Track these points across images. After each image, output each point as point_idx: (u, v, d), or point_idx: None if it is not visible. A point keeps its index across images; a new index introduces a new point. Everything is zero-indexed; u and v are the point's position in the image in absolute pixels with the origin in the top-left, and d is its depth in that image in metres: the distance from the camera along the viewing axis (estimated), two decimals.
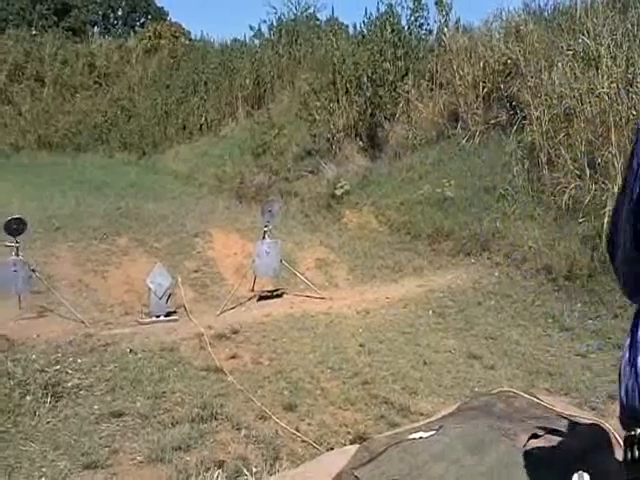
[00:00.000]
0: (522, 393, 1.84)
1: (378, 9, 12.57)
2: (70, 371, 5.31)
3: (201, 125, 16.56)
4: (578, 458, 1.41)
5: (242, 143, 14.19)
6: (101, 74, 21.70)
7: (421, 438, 1.51)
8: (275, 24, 18.08)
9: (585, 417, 1.78)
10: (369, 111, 11.73)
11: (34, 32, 23.72)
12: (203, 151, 15.39)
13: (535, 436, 1.42)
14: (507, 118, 9.79)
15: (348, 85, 12.11)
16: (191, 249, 9.18)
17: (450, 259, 8.26)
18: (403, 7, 12.18)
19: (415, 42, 12.04)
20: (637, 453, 0.87)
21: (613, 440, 1.54)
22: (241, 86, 16.10)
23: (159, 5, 36.51)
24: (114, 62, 22.35)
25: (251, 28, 19.25)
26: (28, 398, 4.66)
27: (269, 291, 7.84)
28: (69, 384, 5.04)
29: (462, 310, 6.83)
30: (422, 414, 4.38)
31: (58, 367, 5.34)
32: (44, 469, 3.87)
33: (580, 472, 1.14)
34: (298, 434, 4.35)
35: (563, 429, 1.56)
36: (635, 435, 0.88)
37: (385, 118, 11.63)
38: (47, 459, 3.97)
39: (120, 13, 36.63)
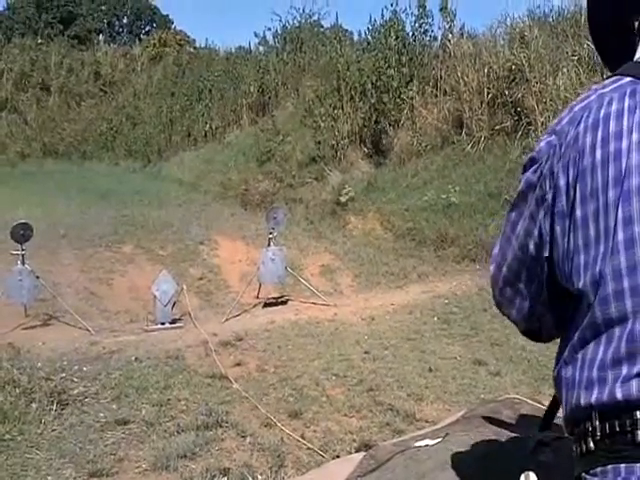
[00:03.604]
0: (528, 400, 1.82)
1: (383, 16, 12.62)
2: (75, 379, 5.31)
3: (206, 132, 16.60)
4: None
5: (247, 150, 14.22)
6: (106, 82, 21.81)
7: (427, 446, 1.50)
8: (280, 31, 18.15)
9: None
10: (373, 118, 11.75)
11: (40, 41, 23.89)
12: (208, 158, 15.42)
13: (541, 443, 1.41)
14: (512, 124, 9.79)
15: (352, 92, 12.13)
16: (196, 256, 9.19)
17: (455, 265, 8.25)
18: (408, 14, 12.24)
19: (419, 49, 12.05)
20: (591, 445, 0.90)
21: None
22: (246, 93, 16.14)
23: (164, 13, 36.75)
24: (119, 70, 22.46)
25: (256, 36, 19.28)
26: (34, 406, 4.66)
27: (274, 298, 7.84)
28: (74, 392, 5.04)
29: (467, 316, 6.81)
30: (427, 421, 4.37)
31: (63, 375, 5.34)
32: (50, 477, 3.86)
33: (526, 472, 1.14)
34: (303, 441, 4.33)
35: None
36: (587, 428, 0.92)
37: (389, 124, 11.64)
38: (53, 467, 3.96)
39: (125, 21, 36.87)
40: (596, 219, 0.92)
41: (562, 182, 0.97)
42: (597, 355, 0.91)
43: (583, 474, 0.91)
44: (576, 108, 1.00)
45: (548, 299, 1.07)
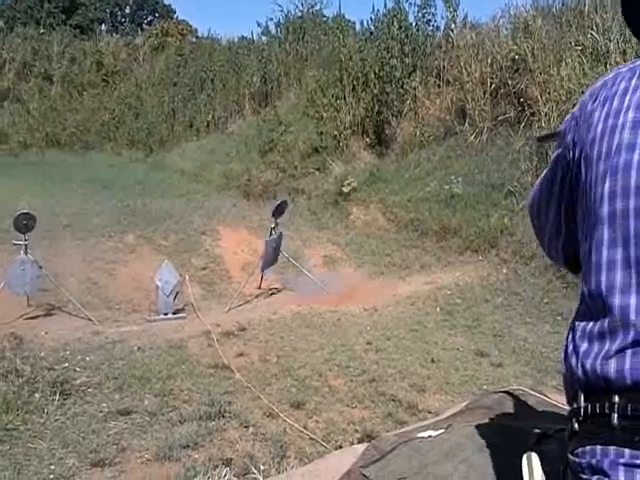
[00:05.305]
0: (531, 391, 1.82)
1: (385, 5, 12.57)
2: (78, 369, 5.32)
3: (208, 122, 16.54)
4: None
5: (249, 140, 14.18)
6: (109, 72, 21.70)
7: (430, 437, 1.50)
8: (282, 21, 18.07)
9: None
10: (376, 108, 11.70)
11: (42, 30, 23.78)
12: (210, 149, 15.39)
13: (545, 435, 1.41)
14: (515, 114, 9.75)
15: (355, 82, 12.08)
16: (198, 246, 9.20)
17: (458, 256, 8.24)
18: (410, 4, 12.17)
19: (422, 39, 11.99)
20: (576, 426, 0.94)
21: None
22: (248, 83, 16.08)
23: (166, 3, 36.62)
24: (121, 60, 22.35)
25: (258, 25, 19.20)
26: (37, 395, 4.68)
27: (276, 288, 7.84)
28: (77, 382, 5.05)
29: (470, 307, 6.81)
30: (430, 412, 4.38)
31: (66, 365, 5.36)
32: (53, 466, 3.88)
33: (528, 453, 1.16)
34: (306, 432, 4.34)
35: None
36: (574, 408, 0.96)
37: (392, 115, 11.59)
38: (55, 456, 3.98)
39: (127, 11, 36.76)
40: (590, 190, 0.98)
41: (577, 151, 1.03)
42: (587, 326, 0.96)
43: (568, 454, 0.95)
44: (597, 84, 1.05)
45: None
